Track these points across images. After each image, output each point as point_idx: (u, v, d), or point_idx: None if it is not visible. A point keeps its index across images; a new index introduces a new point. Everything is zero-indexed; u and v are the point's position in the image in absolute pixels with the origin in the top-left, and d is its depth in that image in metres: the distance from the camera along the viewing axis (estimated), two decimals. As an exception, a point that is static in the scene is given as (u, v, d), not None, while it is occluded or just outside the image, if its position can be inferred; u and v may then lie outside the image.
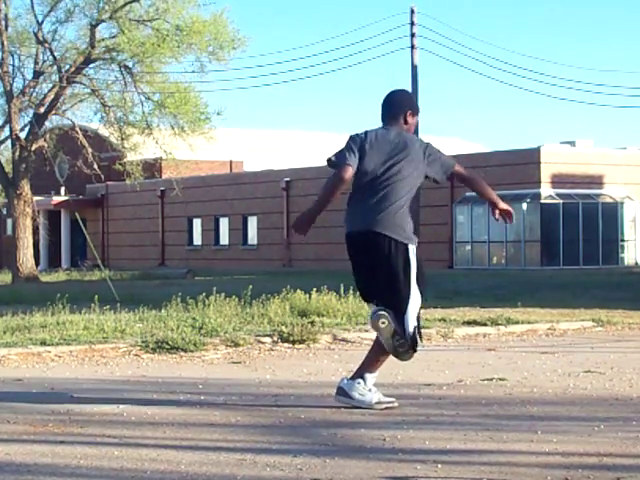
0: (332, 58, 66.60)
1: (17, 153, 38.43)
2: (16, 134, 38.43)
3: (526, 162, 41.75)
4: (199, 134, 38.01)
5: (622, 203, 43.22)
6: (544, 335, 14.01)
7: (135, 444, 6.71)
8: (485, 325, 14.63)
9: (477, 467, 5.95)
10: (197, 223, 56.00)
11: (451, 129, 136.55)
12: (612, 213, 43.03)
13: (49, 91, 38.51)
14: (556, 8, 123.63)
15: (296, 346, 12.55)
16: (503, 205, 7.93)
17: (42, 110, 38.18)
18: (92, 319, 13.92)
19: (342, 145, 7.96)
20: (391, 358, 7.95)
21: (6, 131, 40.06)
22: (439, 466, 5.96)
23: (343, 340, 13.28)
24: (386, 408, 7.81)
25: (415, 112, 8.03)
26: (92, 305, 14.85)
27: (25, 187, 38.29)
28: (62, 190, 59.10)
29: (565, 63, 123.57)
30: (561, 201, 41.45)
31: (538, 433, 6.82)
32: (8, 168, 40.55)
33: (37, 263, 43.59)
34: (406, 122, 7.97)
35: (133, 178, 39.44)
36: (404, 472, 5.86)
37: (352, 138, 7.90)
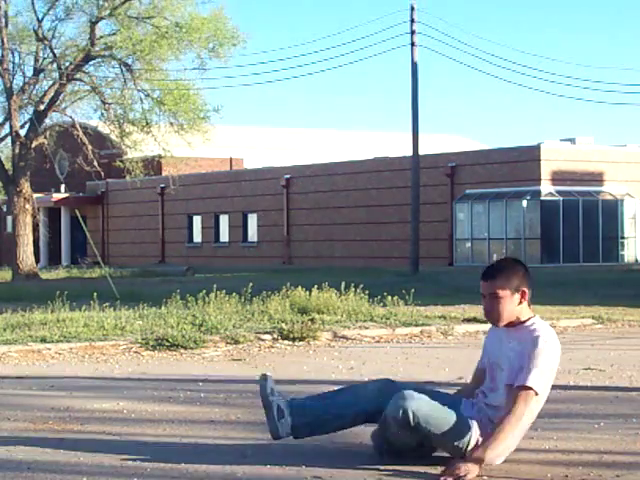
0: (332, 55, 66.63)
1: (17, 150, 38.40)
2: (16, 131, 38.40)
3: (526, 159, 41.74)
4: (197, 132, 37.98)
5: (622, 200, 43.21)
6: (544, 332, 13.98)
7: (135, 441, 6.71)
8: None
9: (477, 464, 5.94)
10: (197, 220, 55.96)
11: (451, 126, 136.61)
12: (612, 210, 43.02)
13: (49, 88, 38.48)
14: (555, 5, 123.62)
15: (296, 343, 12.55)
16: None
17: (42, 107, 38.16)
18: (92, 316, 13.92)
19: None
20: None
21: (6, 128, 40.03)
22: (439, 463, 5.96)
23: (343, 337, 13.27)
24: None
25: None
26: (92, 302, 14.85)
27: (25, 184, 38.27)
28: (62, 187, 59.06)
29: (563, 60, 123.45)
30: (561, 198, 41.44)
31: (538, 430, 6.81)
32: (8, 165, 40.53)
33: (37, 260, 43.57)
34: None
35: (133, 175, 39.43)
36: (405, 469, 5.86)
37: None
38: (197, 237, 56.20)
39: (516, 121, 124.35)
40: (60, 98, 38.53)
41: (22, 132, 38.72)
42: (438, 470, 5.82)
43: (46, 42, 38.04)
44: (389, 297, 16.00)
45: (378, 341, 13.24)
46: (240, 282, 18.93)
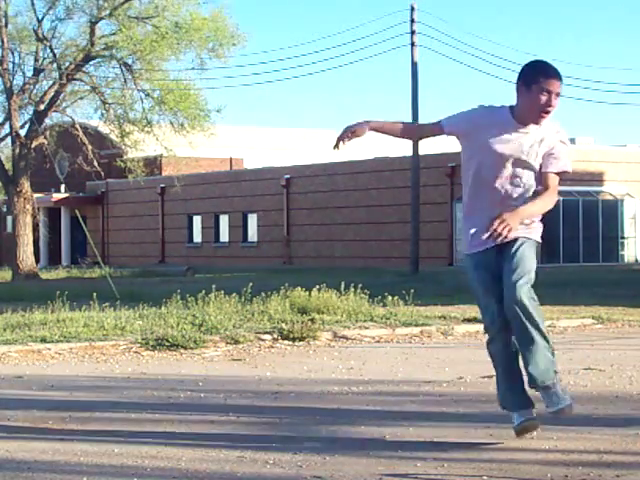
0: (333, 55, 66.68)
1: (17, 150, 38.41)
2: (16, 131, 38.41)
3: (526, 159, 41.76)
4: (198, 131, 38.01)
5: (622, 200, 43.23)
6: (544, 332, 13.98)
7: (135, 441, 6.71)
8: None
9: (477, 464, 5.94)
10: (197, 220, 55.96)
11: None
12: (612, 210, 43.03)
13: (49, 88, 38.49)
14: (554, 5, 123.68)
15: (296, 343, 12.55)
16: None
17: (42, 107, 38.17)
18: (92, 316, 13.92)
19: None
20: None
21: (6, 128, 40.05)
22: (439, 463, 5.96)
23: (343, 337, 13.27)
24: None
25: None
26: (92, 302, 14.85)
27: (25, 184, 38.28)
28: (62, 187, 59.06)
29: (563, 60, 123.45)
30: (561, 198, 41.45)
31: (538, 430, 6.81)
32: (8, 165, 40.56)
33: (37, 260, 43.58)
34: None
35: (134, 175, 39.47)
36: (404, 469, 5.86)
37: None
38: (197, 237, 56.18)
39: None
40: (60, 98, 38.54)
41: (22, 132, 38.73)
42: (438, 470, 5.82)
43: (46, 42, 38.04)
44: (389, 297, 16.00)
45: (378, 341, 13.24)
46: (240, 282, 18.92)
